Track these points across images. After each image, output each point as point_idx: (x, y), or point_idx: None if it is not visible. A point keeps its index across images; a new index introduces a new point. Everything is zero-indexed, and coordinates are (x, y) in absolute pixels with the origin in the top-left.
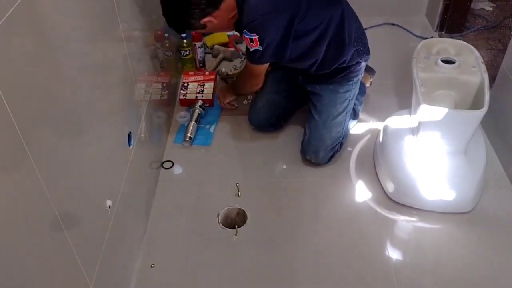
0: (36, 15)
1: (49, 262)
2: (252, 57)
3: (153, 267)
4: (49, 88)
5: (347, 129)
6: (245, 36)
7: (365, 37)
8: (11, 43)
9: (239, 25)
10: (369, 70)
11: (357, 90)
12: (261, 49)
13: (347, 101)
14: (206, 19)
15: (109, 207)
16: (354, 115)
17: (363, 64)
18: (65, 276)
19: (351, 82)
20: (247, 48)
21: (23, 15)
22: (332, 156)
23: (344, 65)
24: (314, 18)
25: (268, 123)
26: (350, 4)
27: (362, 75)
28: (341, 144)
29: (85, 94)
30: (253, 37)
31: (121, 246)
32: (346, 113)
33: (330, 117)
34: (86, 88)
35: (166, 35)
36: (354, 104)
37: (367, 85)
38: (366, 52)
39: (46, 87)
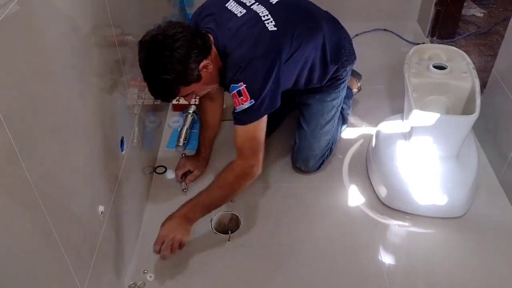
0: (28, 20)
1: (40, 268)
2: (246, 115)
3: (145, 272)
4: (41, 92)
5: (336, 135)
6: (233, 91)
7: (350, 44)
8: (1, 47)
9: (223, 82)
10: (355, 74)
11: (343, 96)
12: (254, 101)
13: (334, 108)
14: (203, 63)
15: (102, 212)
16: (343, 120)
17: (349, 68)
18: (57, 282)
19: (338, 89)
20: (236, 113)
21: (15, 20)
22: (321, 164)
23: (330, 76)
24: (299, 55)
25: None
26: (342, 11)
27: (349, 78)
28: (331, 150)
29: (77, 98)
30: (241, 88)
31: (114, 252)
32: (334, 120)
33: (319, 127)
34: (78, 93)
35: None
36: (342, 109)
37: (355, 90)
38: (352, 59)
39: (37, 91)
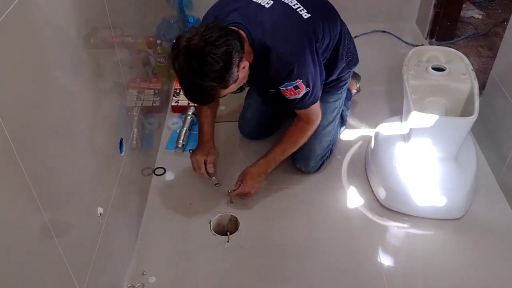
0: (27, 21)
1: (39, 270)
2: (305, 101)
3: (144, 274)
4: (39, 94)
5: (336, 137)
6: (289, 87)
7: (353, 43)
8: (1, 48)
9: (263, 76)
10: (354, 75)
11: (344, 97)
12: (309, 89)
13: (336, 110)
14: (242, 64)
15: (101, 214)
16: (342, 121)
17: (352, 70)
18: (55, 284)
19: (340, 90)
20: (291, 100)
21: (15, 20)
22: (321, 164)
23: (335, 77)
24: (325, 41)
25: (259, 133)
26: (341, 12)
27: (350, 80)
28: (331, 151)
29: (76, 100)
30: (298, 83)
31: (113, 254)
32: (335, 121)
33: (321, 127)
34: (77, 94)
35: (159, 41)
36: (342, 110)
37: (354, 91)
38: (356, 60)
39: (36, 93)
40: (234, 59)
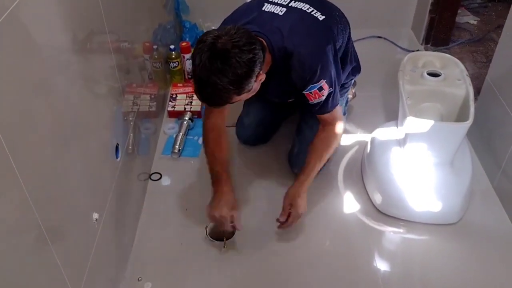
0: (22, 26)
1: (34, 276)
2: (329, 102)
3: (140, 280)
4: (35, 99)
5: None
6: (313, 90)
7: (355, 51)
8: None
9: (281, 84)
10: None
11: (344, 103)
12: (332, 89)
13: None
14: (260, 75)
15: (96, 220)
16: None
17: (355, 77)
18: None
19: (342, 97)
20: (315, 105)
21: (9, 26)
22: (319, 170)
23: (341, 81)
24: (339, 43)
25: (256, 138)
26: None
27: (350, 89)
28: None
29: (72, 105)
30: (322, 84)
31: (108, 259)
32: None
33: None
34: (73, 99)
35: (155, 46)
36: None
37: (350, 96)
38: (359, 68)
39: (31, 98)
40: (256, 69)
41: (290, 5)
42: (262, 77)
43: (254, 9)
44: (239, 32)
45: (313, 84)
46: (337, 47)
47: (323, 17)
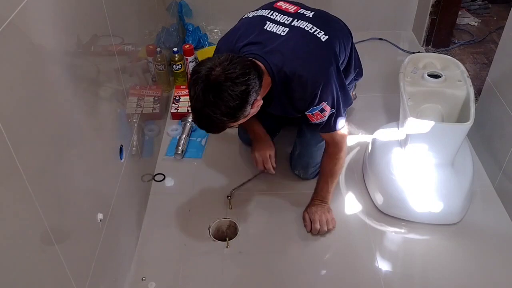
0: (27, 30)
1: (39, 276)
2: (331, 123)
3: (144, 280)
4: (40, 101)
5: None
6: (314, 112)
7: (358, 54)
8: (1, 57)
9: (283, 104)
10: None
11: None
12: (334, 110)
13: None
14: (256, 102)
15: (101, 220)
16: None
17: (358, 81)
18: None
19: None
20: (317, 124)
21: (14, 29)
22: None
23: None
24: (341, 58)
25: None
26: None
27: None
28: None
29: (77, 107)
30: (323, 106)
31: (112, 259)
32: None
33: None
34: (78, 101)
35: (158, 49)
36: None
37: None
38: (361, 71)
39: (36, 100)
40: (250, 99)
41: (293, 24)
42: (259, 103)
43: (256, 27)
44: (233, 62)
45: (314, 106)
46: (340, 63)
47: (326, 37)
